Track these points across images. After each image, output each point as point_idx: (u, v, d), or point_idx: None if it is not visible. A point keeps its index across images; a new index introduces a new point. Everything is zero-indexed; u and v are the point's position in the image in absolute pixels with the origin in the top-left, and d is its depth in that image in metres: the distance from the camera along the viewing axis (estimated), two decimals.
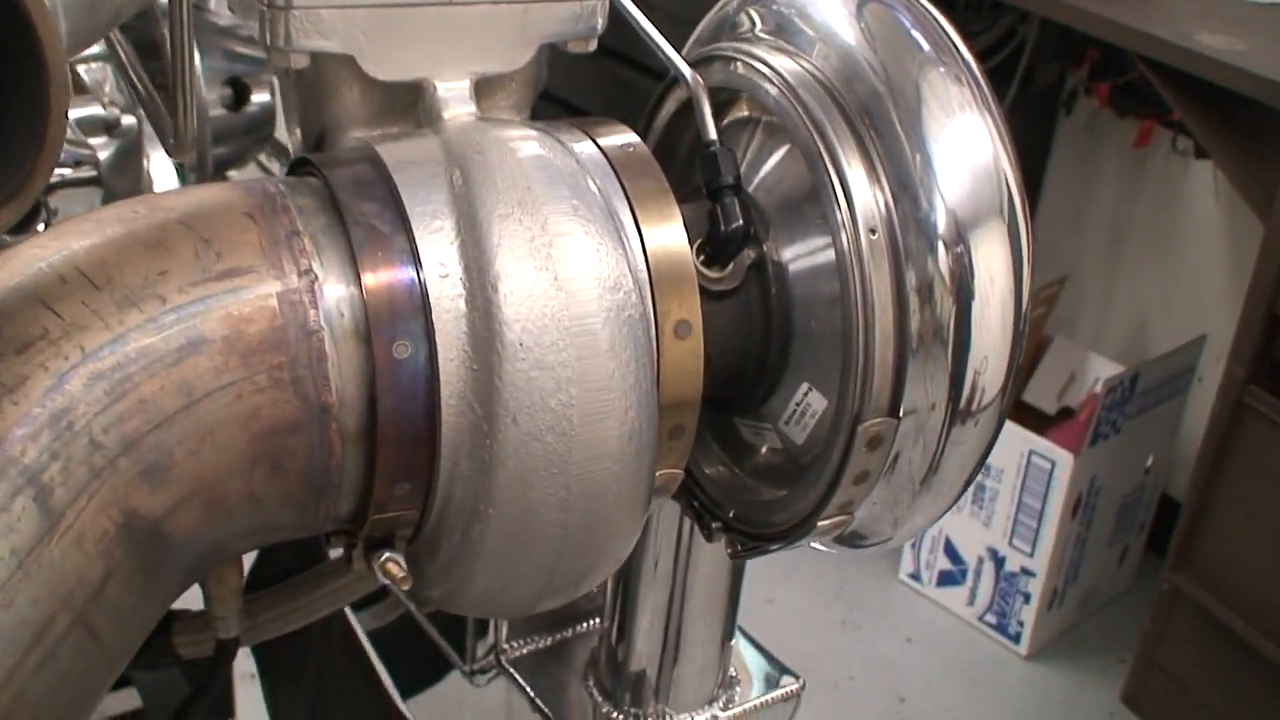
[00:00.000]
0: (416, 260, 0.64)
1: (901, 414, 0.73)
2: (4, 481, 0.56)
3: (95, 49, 1.01)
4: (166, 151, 0.68)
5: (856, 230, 0.71)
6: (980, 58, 0.76)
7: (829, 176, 0.72)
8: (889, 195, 0.72)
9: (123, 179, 1.01)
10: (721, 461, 0.86)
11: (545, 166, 0.68)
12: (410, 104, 0.75)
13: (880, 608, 2.79)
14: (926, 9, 0.77)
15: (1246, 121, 2.15)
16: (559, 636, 1.16)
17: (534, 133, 0.71)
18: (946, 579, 2.80)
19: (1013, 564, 2.67)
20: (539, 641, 1.16)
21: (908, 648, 2.71)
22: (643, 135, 0.81)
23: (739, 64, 0.79)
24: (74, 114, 1.00)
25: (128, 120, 1.00)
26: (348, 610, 1.28)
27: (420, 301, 0.64)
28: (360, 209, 0.66)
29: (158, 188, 1.09)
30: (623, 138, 0.75)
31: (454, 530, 0.67)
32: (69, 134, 0.96)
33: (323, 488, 0.65)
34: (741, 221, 0.74)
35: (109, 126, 1.02)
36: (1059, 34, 2.64)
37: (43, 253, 0.62)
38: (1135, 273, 2.94)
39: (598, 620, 1.16)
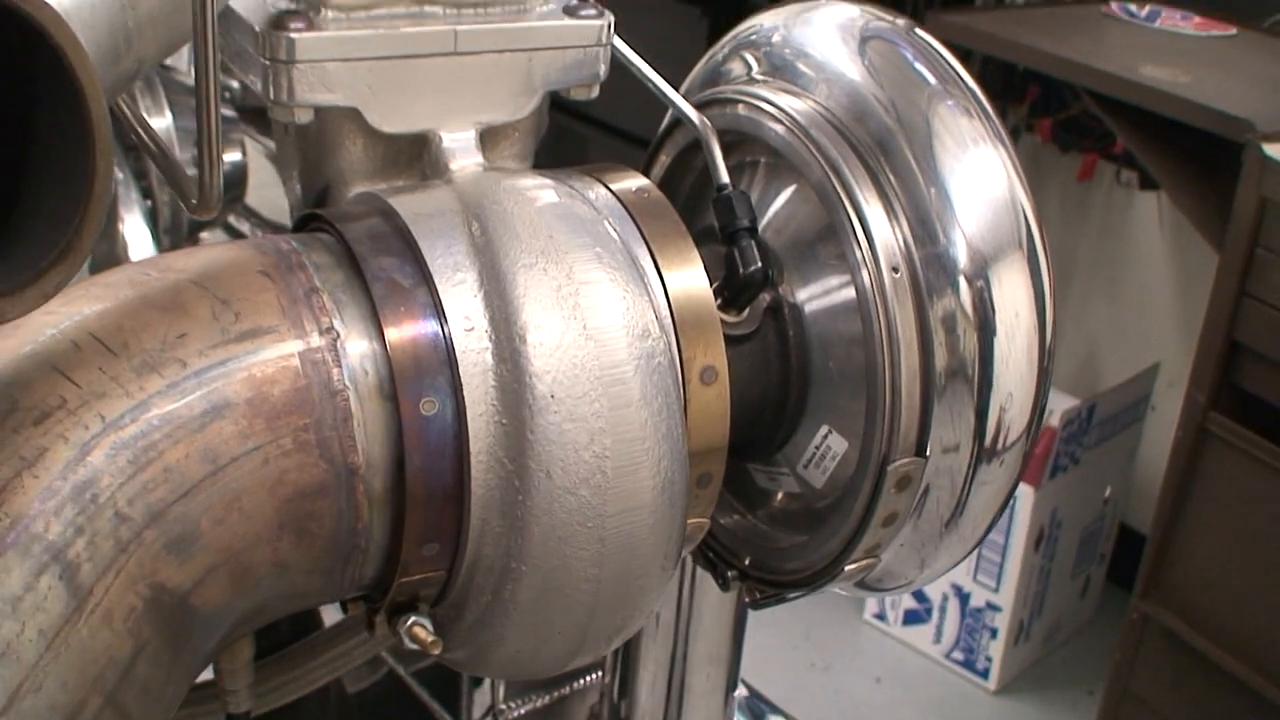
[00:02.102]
0: (440, 314, 0.62)
1: (929, 453, 0.71)
2: (29, 559, 0.53)
3: None
4: (189, 210, 0.65)
5: (878, 268, 0.70)
6: None
7: (847, 215, 0.71)
8: (908, 232, 0.71)
9: (99, 242, 0.98)
10: (734, 509, 0.85)
11: (565, 214, 0.66)
12: (415, 156, 0.73)
13: (848, 648, 2.78)
14: (928, 41, 0.77)
15: (1197, 152, 2.18)
16: (557, 694, 1.14)
17: (549, 181, 0.69)
18: (912, 617, 2.79)
19: (978, 599, 2.67)
20: (537, 700, 1.13)
21: (877, 688, 2.69)
22: None
23: (741, 105, 0.78)
24: None
25: None
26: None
27: (446, 356, 0.62)
28: (379, 263, 0.64)
29: (133, 252, 1.06)
30: (634, 182, 0.73)
31: (483, 590, 0.65)
32: None
33: (349, 552, 0.63)
34: (760, 264, 0.72)
35: None
36: (999, 72, 2.66)
37: (53, 319, 0.59)
38: (1083, 304, 2.96)
39: (597, 676, 1.13)
